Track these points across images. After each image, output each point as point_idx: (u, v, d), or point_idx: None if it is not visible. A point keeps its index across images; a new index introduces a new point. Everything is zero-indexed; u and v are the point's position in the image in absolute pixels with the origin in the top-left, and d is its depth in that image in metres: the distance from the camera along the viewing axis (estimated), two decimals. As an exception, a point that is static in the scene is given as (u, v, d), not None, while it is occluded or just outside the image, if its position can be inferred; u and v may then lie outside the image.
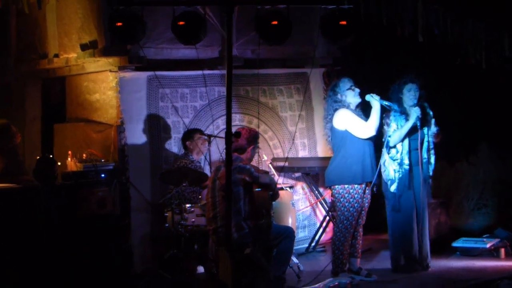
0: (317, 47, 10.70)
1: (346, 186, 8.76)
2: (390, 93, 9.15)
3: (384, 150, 9.07)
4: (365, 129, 8.74)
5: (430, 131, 9.16)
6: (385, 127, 9.05)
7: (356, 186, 8.77)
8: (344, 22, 6.95)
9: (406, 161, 9.01)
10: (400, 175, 9.02)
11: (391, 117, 9.04)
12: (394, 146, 9.02)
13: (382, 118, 8.95)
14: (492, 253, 10.06)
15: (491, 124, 12.97)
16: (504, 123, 12.59)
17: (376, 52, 12.39)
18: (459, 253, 10.17)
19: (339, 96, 8.87)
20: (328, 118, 8.94)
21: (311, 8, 10.40)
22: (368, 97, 8.83)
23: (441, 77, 12.67)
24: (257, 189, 8.24)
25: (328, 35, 7.11)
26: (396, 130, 8.98)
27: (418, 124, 8.92)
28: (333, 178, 8.89)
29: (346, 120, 8.78)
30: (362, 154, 8.77)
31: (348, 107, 8.85)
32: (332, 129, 8.89)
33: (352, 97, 8.85)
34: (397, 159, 9.02)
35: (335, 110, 8.85)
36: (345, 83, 8.88)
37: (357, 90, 8.87)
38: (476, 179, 13.11)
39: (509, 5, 10.51)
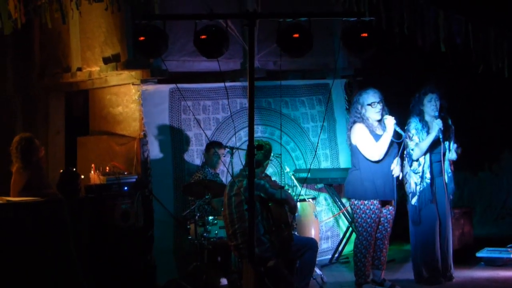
0: (338, 59, 10.72)
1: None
2: (411, 106, 9.08)
3: (406, 162, 9.03)
4: (372, 152, 8.69)
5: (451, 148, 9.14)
6: (407, 140, 8.98)
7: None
8: (365, 34, 6.92)
9: (428, 175, 8.94)
10: (421, 188, 8.97)
11: (413, 130, 8.99)
12: (417, 160, 8.97)
13: (401, 130, 8.86)
14: (517, 263, 10.02)
15: (514, 132, 12.94)
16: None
17: (398, 62, 12.40)
18: (484, 263, 10.11)
19: (359, 107, 8.83)
20: (348, 127, 8.95)
21: (331, 19, 10.41)
22: (384, 118, 8.78)
23: (464, 86, 12.65)
24: (271, 204, 8.22)
25: (349, 48, 7.07)
26: (419, 143, 8.94)
27: (441, 136, 8.87)
28: (349, 191, 8.92)
29: (358, 138, 8.75)
30: (374, 171, 8.72)
31: (367, 121, 8.80)
32: (349, 140, 8.91)
33: (372, 113, 8.77)
34: (418, 172, 8.98)
35: (354, 122, 8.83)
36: (369, 96, 8.78)
37: (379, 106, 8.77)
38: (500, 188, 13.09)
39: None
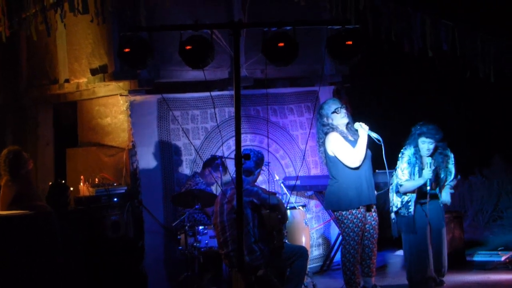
0: (324, 66, 10.74)
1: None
2: (409, 135, 8.94)
3: (394, 178, 8.99)
4: (351, 158, 8.67)
5: (449, 181, 9.00)
6: (398, 169, 8.91)
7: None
8: (350, 42, 6.93)
9: (411, 208, 8.86)
10: (401, 213, 8.92)
11: (404, 164, 8.85)
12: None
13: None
14: (507, 266, 10.03)
15: (504, 136, 12.98)
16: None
17: (386, 68, 12.43)
18: (474, 267, 10.13)
19: (325, 119, 8.82)
20: (320, 142, 8.89)
21: (319, 27, 10.42)
22: (356, 125, 8.77)
23: (452, 92, 12.69)
24: (263, 211, 8.23)
25: (334, 56, 7.08)
26: (409, 180, 8.82)
27: (428, 189, 8.73)
28: (333, 203, 8.89)
29: (334, 147, 8.73)
30: (358, 178, 8.72)
31: (337, 129, 8.81)
32: (325, 153, 8.88)
33: (339, 119, 8.79)
34: (403, 200, 8.94)
35: (326, 133, 8.82)
36: (330, 106, 8.82)
37: (343, 110, 8.80)
38: (490, 192, 13.12)
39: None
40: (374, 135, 8.71)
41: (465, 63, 10.02)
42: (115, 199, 9.48)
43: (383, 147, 8.65)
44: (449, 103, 12.97)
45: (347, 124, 8.86)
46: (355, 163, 8.69)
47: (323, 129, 8.83)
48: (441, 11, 10.20)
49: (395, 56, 10.93)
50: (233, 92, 9.87)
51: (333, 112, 8.79)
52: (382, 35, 9.86)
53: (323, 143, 8.82)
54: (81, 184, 9.62)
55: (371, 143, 8.81)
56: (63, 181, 9.75)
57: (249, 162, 8.14)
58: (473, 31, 9.99)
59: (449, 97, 12.70)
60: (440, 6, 10.40)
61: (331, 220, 10.75)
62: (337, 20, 8.31)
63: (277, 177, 10.16)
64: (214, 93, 10.04)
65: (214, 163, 9.43)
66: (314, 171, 10.99)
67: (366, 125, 8.75)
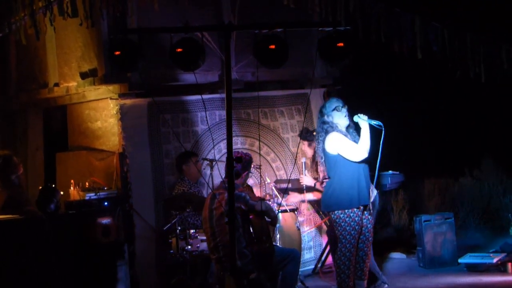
0: (315, 68, 10.73)
1: (346, 210, 8.72)
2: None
3: None
4: (357, 152, 8.66)
5: None
6: None
7: (355, 209, 8.74)
8: (341, 44, 6.96)
9: None
10: None
11: None
12: None
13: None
14: (499, 268, 10.01)
15: (494, 138, 13.01)
16: (507, 136, 12.61)
17: (377, 69, 12.44)
18: (466, 269, 10.13)
19: (325, 117, 8.81)
20: (320, 139, 8.88)
21: (309, 29, 10.43)
22: (355, 118, 8.77)
23: (443, 92, 12.71)
24: (251, 217, 8.21)
25: (325, 57, 7.12)
26: None
27: None
28: (331, 204, 8.83)
29: (338, 144, 8.72)
30: (357, 177, 8.71)
31: (336, 128, 8.79)
32: (324, 152, 8.86)
33: (339, 117, 8.78)
34: None
35: (326, 132, 8.80)
36: (331, 104, 8.82)
37: (344, 110, 8.80)
38: (481, 193, 13.12)
39: (506, 18, 10.54)
40: (374, 122, 8.70)
41: (455, 64, 10.02)
42: (106, 203, 9.44)
43: (383, 132, 8.63)
44: (441, 104, 12.99)
45: (348, 126, 8.84)
46: (362, 155, 8.66)
47: (323, 126, 8.81)
48: (430, 11, 10.21)
49: (386, 57, 10.93)
50: (223, 95, 9.91)
51: (333, 110, 8.77)
52: (372, 36, 9.85)
53: (323, 141, 8.80)
54: (72, 188, 9.58)
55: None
56: (53, 185, 9.70)
57: (236, 165, 8.10)
58: (463, 31, 9.99)
59: (440, 98, 12.71)
60: (430, 7, 10.41)
61: (323, 223, 10.74)
62: (328, 22, 8.29)
63: (268, 180, 10.15)
64: (204, 96, 10.02)
65: (184, 159, 9.46)
66: (306, 174, 10.97)
67: (364, 115, 8.74)
